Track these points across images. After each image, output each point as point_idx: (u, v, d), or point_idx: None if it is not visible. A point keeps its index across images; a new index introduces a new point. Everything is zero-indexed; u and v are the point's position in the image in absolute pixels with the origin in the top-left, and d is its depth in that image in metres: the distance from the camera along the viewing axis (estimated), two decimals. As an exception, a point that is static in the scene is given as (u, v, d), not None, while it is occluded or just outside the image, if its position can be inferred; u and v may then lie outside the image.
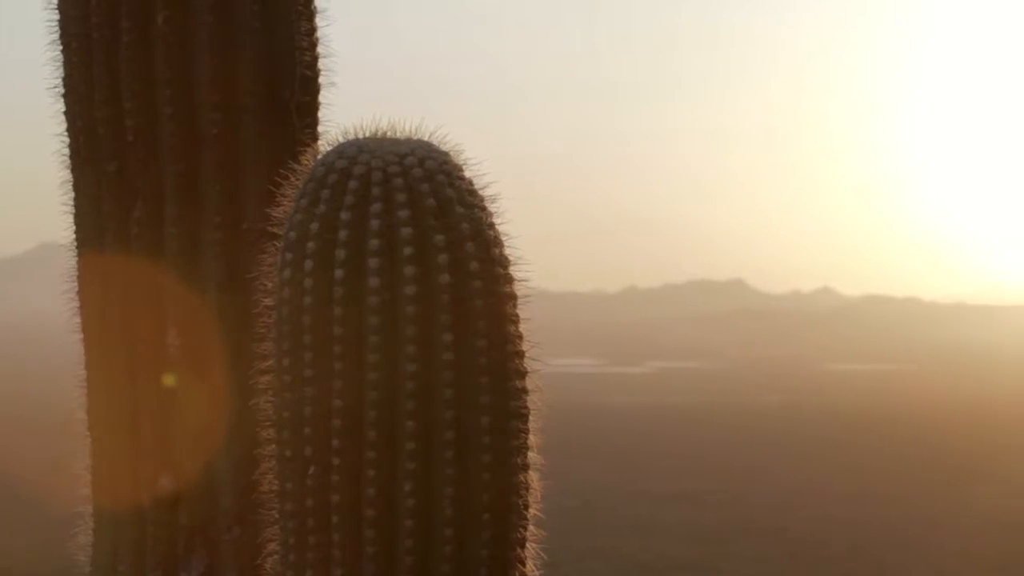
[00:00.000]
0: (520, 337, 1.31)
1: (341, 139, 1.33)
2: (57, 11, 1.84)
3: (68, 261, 1.90)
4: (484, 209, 1.31)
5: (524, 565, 1.33)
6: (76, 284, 1.87)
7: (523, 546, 1.33)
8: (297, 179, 1.32)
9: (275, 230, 1.33)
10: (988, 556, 26.72)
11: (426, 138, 1.32)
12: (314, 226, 1.24)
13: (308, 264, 1.24)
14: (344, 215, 1.23)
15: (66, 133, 1.85)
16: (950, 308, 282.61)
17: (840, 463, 40.60)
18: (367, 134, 1.31)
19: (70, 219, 1.89)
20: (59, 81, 1.85)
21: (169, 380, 1.78)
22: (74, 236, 1.87)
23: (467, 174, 1.32)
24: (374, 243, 1.22)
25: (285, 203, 1.33)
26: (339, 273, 1.22)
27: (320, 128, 1.87)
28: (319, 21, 1.87)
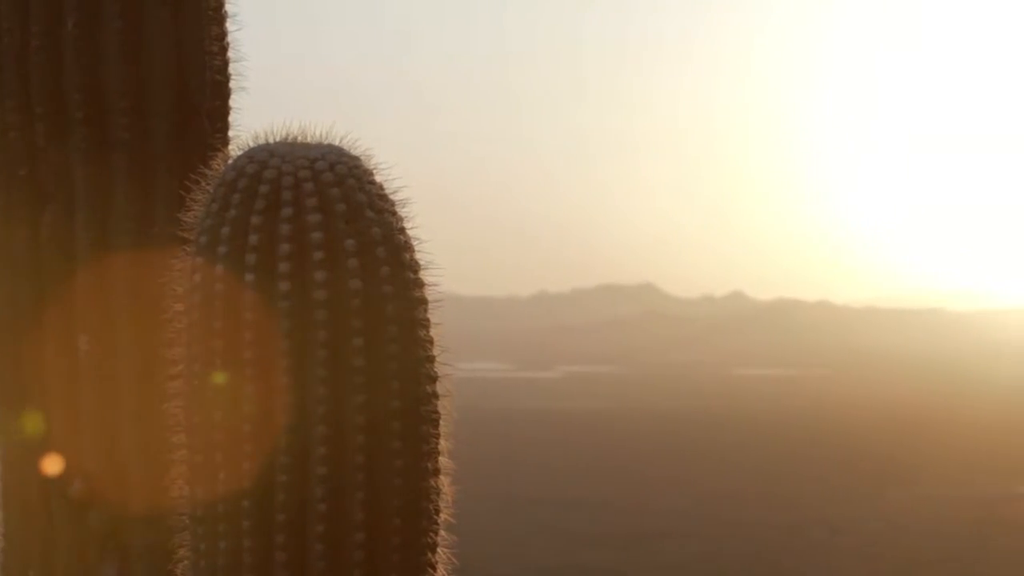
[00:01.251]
0: (431, 342, 1.32)
1: (252, 144, 1.32)
2: (-35, 18, 1.81)
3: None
4: (395, 214, 1.31)
5: (435, 570, 1.34)
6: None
7: (434, 551, 1.33)
8: (208, 184, 1.32)
9: (186, 235, 1.31)
10: (893, 560, 27.74)
11: (337, 143, 1.32)
12: (224, 231, 1.24)
13: (218, 268, 1.23)
14: (254, 220, 1.22)
15: (-24, 138, 1.82)
16: (861, 312, 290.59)
17: (749, 468, 41.60)
18: (278, 139, 1.31)
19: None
20: (-31, 87, 1.82)
21: (83, 385, 1.76)
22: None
23: (378, 178, 1.32)
24: (284, 248, 1.21)
25: (196, 208, 1.32)
26: (249, 277, 1.21)
27: (231, 133, 1.87)
28: (229, 26, 1.87)
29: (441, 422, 1.34)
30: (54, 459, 1.77)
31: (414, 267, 1.31)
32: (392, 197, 1.33)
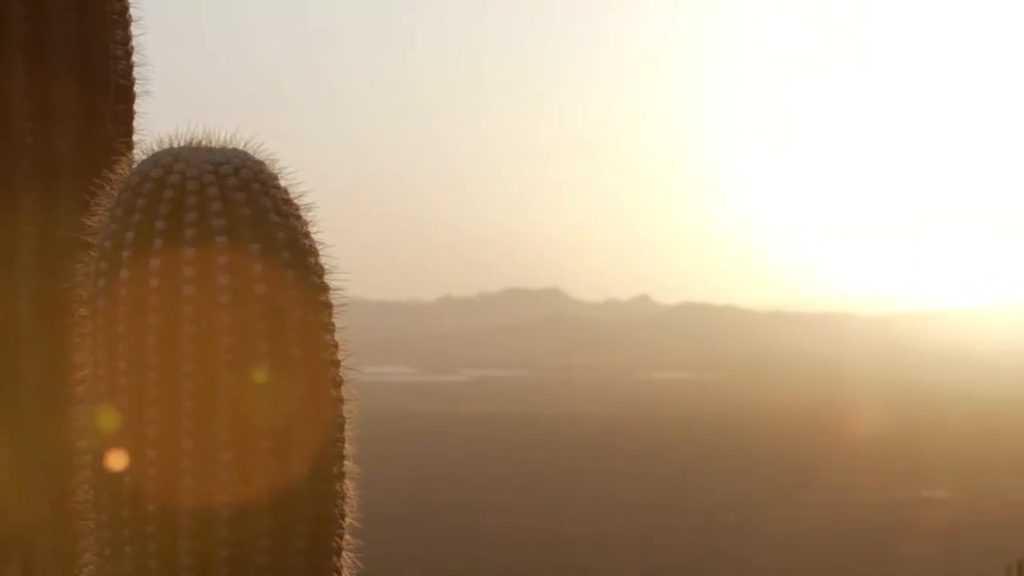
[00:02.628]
0: (336, 346, 1.32)
1: (156, 148, 1.31)
2: None
3: None
4: (299, 218, 1.31)
5: (341, 574, 1.34)
6: None
7: (340, 555, 1.34)
8: (112, 188, 1.30)
9: (90, 239, 1.30)
10: (802, 564, 28.54)
11: (241, 147, 1.32)
12: (129, 235, 1.23)
13: (123, 273, 1.22)
14: (159, 224, 1.22)
15: None
16: (767, 316, 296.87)
17: (656, 473, 42.26)
18: (182, 143, 1.30)
19: None
20: None
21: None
22: None
23: (282, 183, 1.32)
24: (189, 252, 1.20)
25: (100, 212, 1.30)
26: (154, 282, 1.20)
27: (135, 137, 1.85)
28: (134, 30, 1.84)
29: (346, 426, 1.34)
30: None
31: (319, 271, 1.31)
32: (297, 201, 1.33)
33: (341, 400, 1.32)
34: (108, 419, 1.23)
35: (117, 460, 1.23)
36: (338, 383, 1.32)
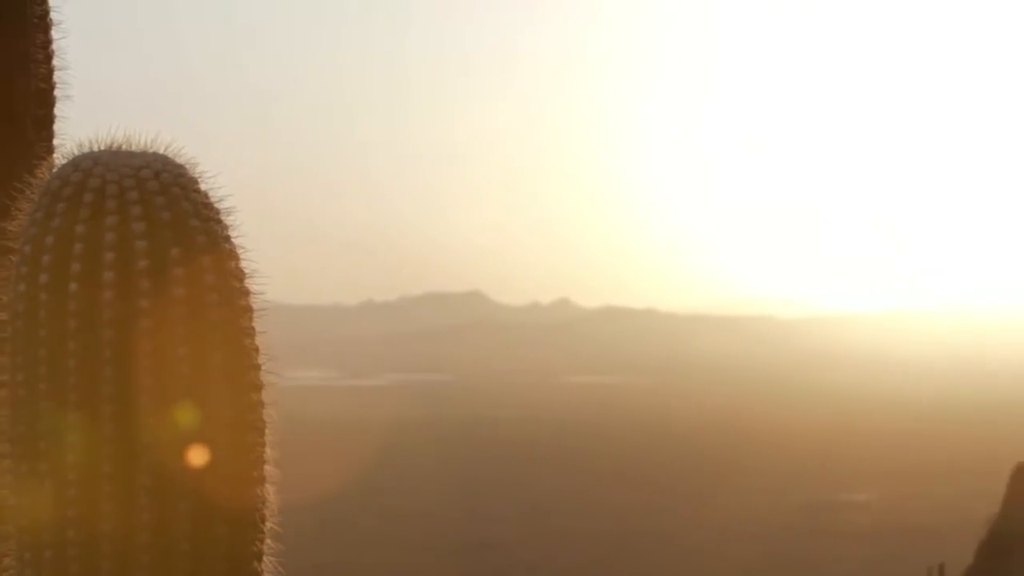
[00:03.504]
0: (256, 350, 1.32)
1: (76, 152, 1.30)
2: None
3: None
4: (220, 222, 1.31)
5: (261, 579, 1.34)
6: None
7: (260, 559, 1.34)
8: (32, 192, 1.29)
9: (10, 244, 1.29)
10: (723, 568, 29.00)
11: (162, 151, 1.31)
12: (49, 239, 1.22)
13: (43, 278, 1.21)
14: (79, 228, 1.21)
15: None
16: (688, 319, 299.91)
17: (577, 476, 42.52)
18: (103, 147, 1.29)
19: None
20: None
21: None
22: None
23: (203, 187, 1.32)
24: (109, 256, 1.20)
25: (20, 217, 1.29)
26: (74, 287, 1.19)
27: (56, 141, 1.83)
28: (55, 34, 1.83)
29: (267, 430, 1.34)
30: None
31: (239, 275, 1.31)
32: (217, 205, 1.33)
33: (262, 404, 1.32)
34: (29, 423, 1.21)
35: (36, 465, 1.21)
36: (259, 387, 1.32)
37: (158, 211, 1.24)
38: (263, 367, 1.34)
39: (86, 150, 1.30)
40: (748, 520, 34.22)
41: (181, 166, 1.31)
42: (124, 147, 1.30)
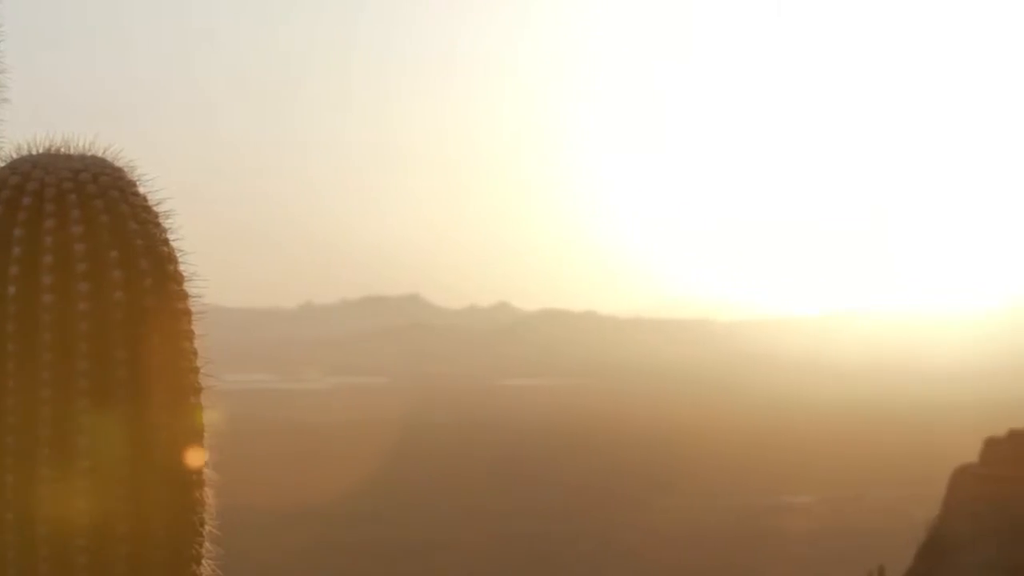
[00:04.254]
0: (195, 353, 1.32)
1: (15, 155, 1.30)
2: None
3: None
4: (158, 225, 1.31)
5: (201, 583, 1.33)
6: None
7: (200, 563, 1.33)
8: (-30, 196, 1.26)
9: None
10: (660, 570, 29.22)
11: (101, 154, 1.31)
12: None
13: None
14: (17, 232, 1.20)
15: None
16: (627, 322, 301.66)
17: (516, 479, 42.56)
18: (41, 150, 1.28)
19: None
20: None
21: None
22: None
23: (141, 190, 1.32)
24: (47, 259, 1.19)
25: (-41, 220, 1.26)
26: (12, 290, 1.18)
27: None
28: None
29: (205, 433, 1.34)
30: None
31: (178, 278, 1.31)
32: (155, 208, 1.32)
33: (200, 407, 1.32)
34: None
35: None
36: (197, 390, 1.32)
37: (97, 214, 1.23)
38: (202, 370, 1.34)
39: (25, 153, 1.29)
40: (687, 523, 34.59)
41: (120, 169, 1.31)
42: (63, 150, 1.29)
